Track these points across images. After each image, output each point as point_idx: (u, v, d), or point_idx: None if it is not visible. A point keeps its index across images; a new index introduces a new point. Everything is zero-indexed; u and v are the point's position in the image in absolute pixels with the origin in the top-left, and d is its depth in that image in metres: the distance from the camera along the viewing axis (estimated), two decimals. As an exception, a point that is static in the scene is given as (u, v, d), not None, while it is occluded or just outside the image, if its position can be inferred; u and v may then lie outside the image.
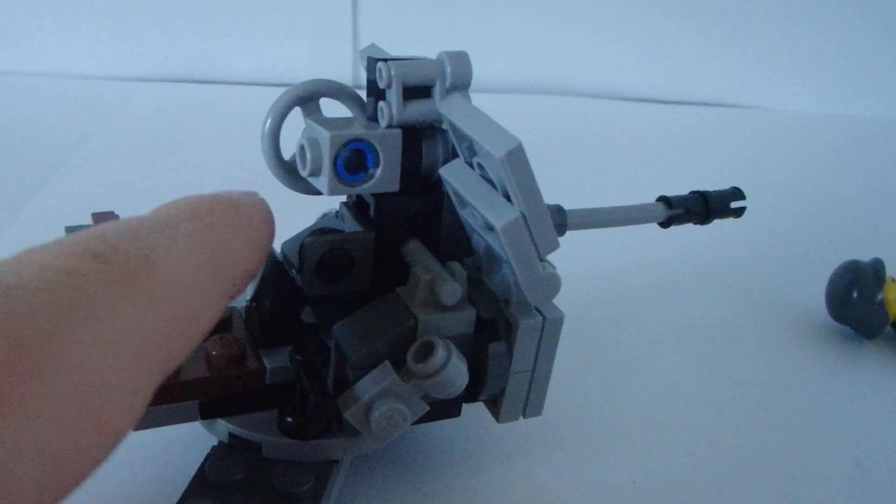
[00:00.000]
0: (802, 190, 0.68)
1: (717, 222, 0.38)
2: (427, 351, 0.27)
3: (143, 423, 0.29)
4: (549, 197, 0.33)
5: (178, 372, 0.27)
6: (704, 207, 0.37)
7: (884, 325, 0.44)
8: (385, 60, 0.28)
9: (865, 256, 0.46)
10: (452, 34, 0.87)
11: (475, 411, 0.32)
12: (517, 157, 0.24)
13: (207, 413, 0.29)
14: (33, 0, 0.86)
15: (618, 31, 0.89)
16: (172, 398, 0.27)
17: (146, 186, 0.60)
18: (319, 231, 0.31)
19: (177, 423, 0.29)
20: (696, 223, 0.37)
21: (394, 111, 0.28)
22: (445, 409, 0.30)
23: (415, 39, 0.85)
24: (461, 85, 0.29)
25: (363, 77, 0.30)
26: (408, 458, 0.34)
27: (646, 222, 0.36)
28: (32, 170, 0.61)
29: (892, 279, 0.45)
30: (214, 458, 0.29)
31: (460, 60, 0.28)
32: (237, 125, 0.60)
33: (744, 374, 0.42)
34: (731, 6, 0.89)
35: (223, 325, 0.30)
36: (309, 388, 0.28)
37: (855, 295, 0.44)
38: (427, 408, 0.28)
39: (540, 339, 0.29)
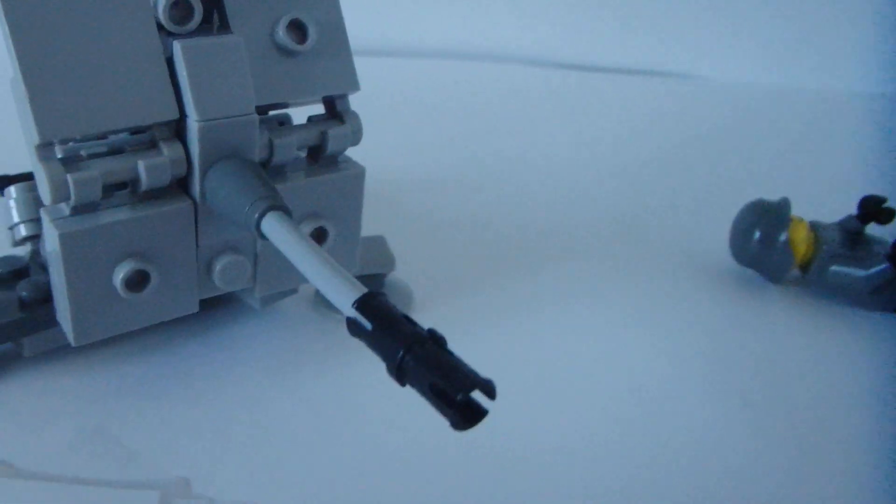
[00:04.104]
0: (718, 158, 0.62)
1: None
2: None
3: None
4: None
5: None
6: None
7: (787, 267, 0.42)
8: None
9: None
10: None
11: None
12: None
13: None
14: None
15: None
16: None
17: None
18: None
19: None
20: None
21: None
22: None
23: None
24: None
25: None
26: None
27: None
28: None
29: (800, 219, 0.42)
30: None
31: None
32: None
33: (642, 318, 0.40)
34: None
35: None
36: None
37: (757, 235, 0.42)
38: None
39: None
